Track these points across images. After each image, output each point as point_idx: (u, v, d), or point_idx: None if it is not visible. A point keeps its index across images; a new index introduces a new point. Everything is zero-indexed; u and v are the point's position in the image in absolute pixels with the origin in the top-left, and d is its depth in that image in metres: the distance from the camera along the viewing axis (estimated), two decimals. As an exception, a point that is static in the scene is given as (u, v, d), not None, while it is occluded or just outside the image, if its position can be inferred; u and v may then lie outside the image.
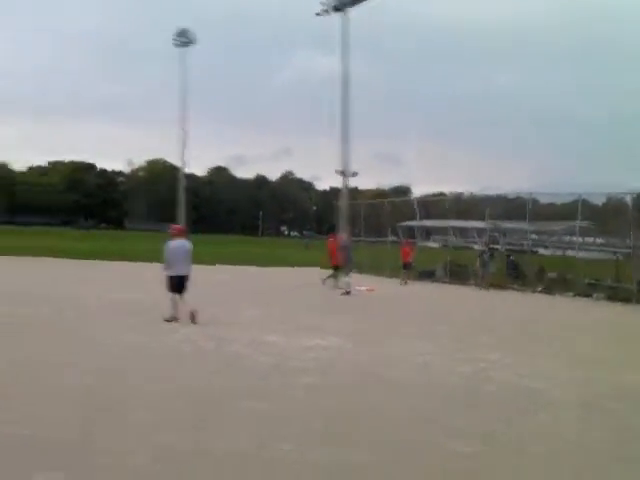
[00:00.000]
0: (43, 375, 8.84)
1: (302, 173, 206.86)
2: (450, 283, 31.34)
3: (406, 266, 29.71)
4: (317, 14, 45.65)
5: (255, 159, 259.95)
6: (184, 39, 62.03)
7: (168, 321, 13.57)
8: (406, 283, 28.88)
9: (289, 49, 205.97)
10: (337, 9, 44.82)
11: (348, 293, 22.95)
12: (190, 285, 14.06)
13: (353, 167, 50.08)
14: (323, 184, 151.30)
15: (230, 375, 9.38)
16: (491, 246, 34.15)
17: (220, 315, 15.24)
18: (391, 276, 32.02)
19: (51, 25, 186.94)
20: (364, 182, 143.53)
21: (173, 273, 13.94)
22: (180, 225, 15.53)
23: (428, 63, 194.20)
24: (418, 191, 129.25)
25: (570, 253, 31.18)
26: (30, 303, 16.04)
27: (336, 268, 25.61)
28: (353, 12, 44.92)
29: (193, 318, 13.52)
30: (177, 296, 13.82)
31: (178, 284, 13.79)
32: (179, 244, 14.18)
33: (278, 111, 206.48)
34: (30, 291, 18.97)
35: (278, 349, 11.46)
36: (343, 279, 24.12)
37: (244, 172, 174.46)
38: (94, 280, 25.06)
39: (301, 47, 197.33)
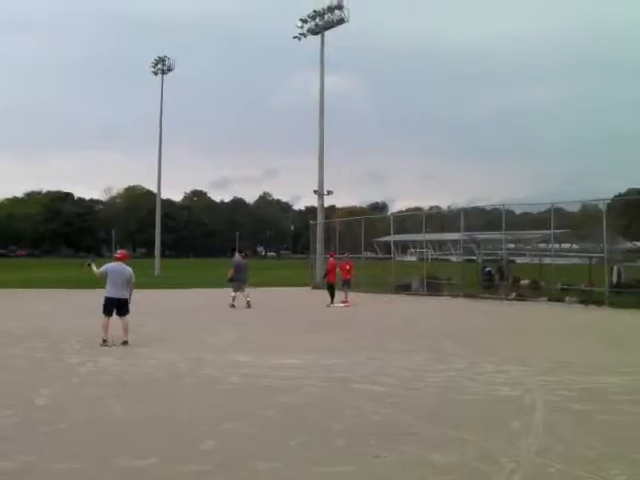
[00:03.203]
0: None
1: (284, 194, 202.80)
2: (427, 295, 31.25)
3: (345, 284, 27.38)
4: (295, 37, 44.87)
5: (238, 182, 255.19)
6: (162, 66, 60.97)
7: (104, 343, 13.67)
8: (346, 302, 26.03)
9: (272, 71, 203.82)
10: (314, 32, 43.90)
11: (232, 306, 23.62)
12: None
13: (338, 186, 48.49)
14: (302, 204, 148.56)
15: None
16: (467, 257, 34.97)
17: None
18: (365, 291, 31.81)
19: (24, 52, 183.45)
20: (349, 200, 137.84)
21: (107, 295, 14.24)
22: (124, 250, 15.20)
23: (413, 84, 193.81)
24: (401, 207, 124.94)
25: (546, 260, 31.20)
26: None
27: (331, 284, 26.60)
28: (332, 35, 43.88)
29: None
30: (107, 319, 14.01)
31: (111, 306, 14.09)
32: (117, 267, 14.30)
33: (262, 134, 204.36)
34: None
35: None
36: (231, 294, 24.18)
37: (226, 195, 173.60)
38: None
39: (284, 68, 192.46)
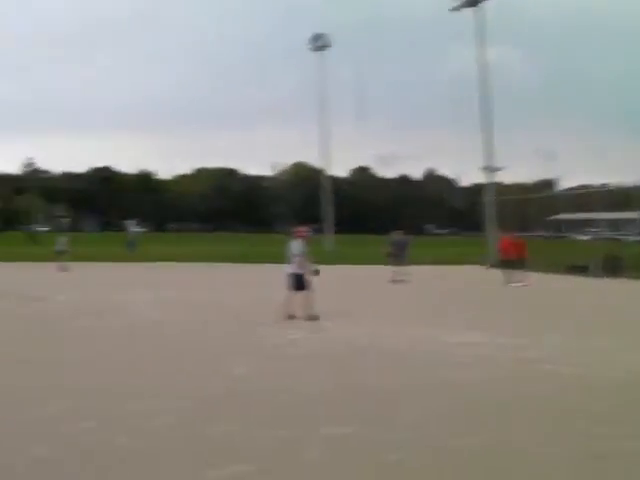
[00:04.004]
0: None
1: (449, 171, 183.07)
2: (603, 277, 28.68)
3: (516, 264, 25.35)
4: (451, 10, 43.59)
5: (402, 158, 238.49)
6: (319, 43, 61.74)
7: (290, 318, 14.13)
8: (522, 281, 24.44)
9: (434, 46, 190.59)
10: (471, 4, 42.08)
11: (400, 281, 23.82)
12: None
13: (503, 161, 44.62)
14: (469, 180, 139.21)
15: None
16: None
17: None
18: (537, 271, 29.39)
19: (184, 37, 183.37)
20: (517, 176, 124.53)
21: (289, 270, 14.61)
22: (301, 228, 15.34)
23: (579, 52, 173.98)
24: (572, 184, 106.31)
25: None
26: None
27: (507, 263, 25.64)
28: (488, 5, 41.77)
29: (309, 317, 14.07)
30: (292, 294, 14.45)
31: (293, 282, 14.46)
32: (292, 244, 14.71)
33: (425, 109, 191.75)
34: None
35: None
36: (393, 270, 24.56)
37: (390, 171, 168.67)
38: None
39: (446, 43, 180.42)
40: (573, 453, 5.78)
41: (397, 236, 26.50)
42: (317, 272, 14.47)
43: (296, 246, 14.62)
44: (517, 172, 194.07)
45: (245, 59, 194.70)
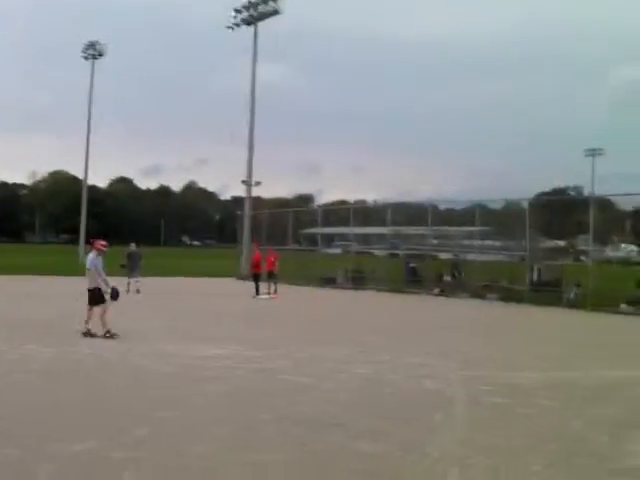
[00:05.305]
0: None
1: (214, 184, 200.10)
2: (351, 289, 31.33)
3: (271, 275, 27.77)
4: (228, 27, 44.63)
5: (168, 171, 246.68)
6: (93, 51, 59.99)
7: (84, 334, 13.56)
8: (271, 293, 26.83)
9: (206, 60, 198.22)
10: (248, 23, 43.76)
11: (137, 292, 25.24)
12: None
13: (268, 176, 49.93)
14: (231, 194, 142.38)
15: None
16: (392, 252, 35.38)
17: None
18: (291, 283, 31.49)
19: None
20: (279, 190, 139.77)
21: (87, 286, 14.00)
22: (100, 241, 14.21)
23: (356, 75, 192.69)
24: (331, 198, 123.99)
25: (470, 257, 31.27)
26: None
27: (257, 276, 27.09)
28: (267, 26, 43.89)
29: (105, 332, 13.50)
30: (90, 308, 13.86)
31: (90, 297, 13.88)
32: (90, 257, 14.08)
33: (193, 122, 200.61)
34: None
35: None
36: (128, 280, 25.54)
37: (155, 184, 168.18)
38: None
39: (219, 57, 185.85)
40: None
41: (132, 248, 27.55)
42: (114, 294, 13.83)
43: (92, 259, 13.93)
44: (284, 186, 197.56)
45: (17, 61, 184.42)
